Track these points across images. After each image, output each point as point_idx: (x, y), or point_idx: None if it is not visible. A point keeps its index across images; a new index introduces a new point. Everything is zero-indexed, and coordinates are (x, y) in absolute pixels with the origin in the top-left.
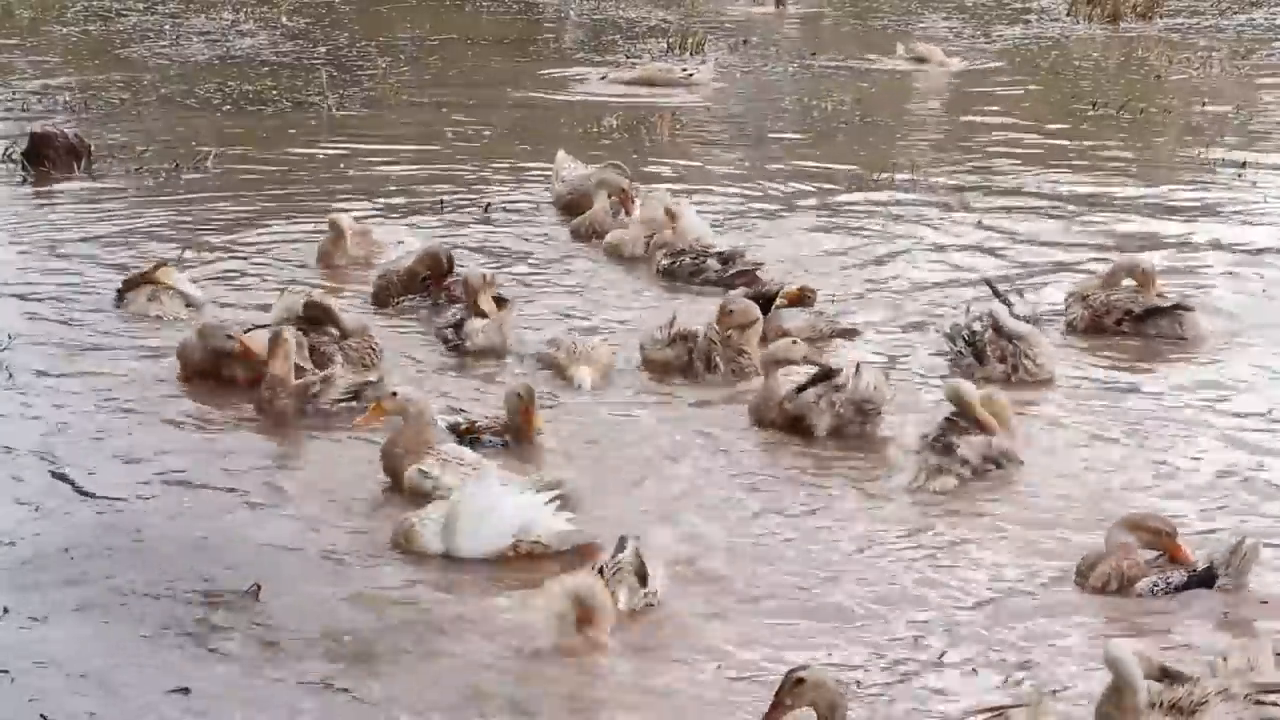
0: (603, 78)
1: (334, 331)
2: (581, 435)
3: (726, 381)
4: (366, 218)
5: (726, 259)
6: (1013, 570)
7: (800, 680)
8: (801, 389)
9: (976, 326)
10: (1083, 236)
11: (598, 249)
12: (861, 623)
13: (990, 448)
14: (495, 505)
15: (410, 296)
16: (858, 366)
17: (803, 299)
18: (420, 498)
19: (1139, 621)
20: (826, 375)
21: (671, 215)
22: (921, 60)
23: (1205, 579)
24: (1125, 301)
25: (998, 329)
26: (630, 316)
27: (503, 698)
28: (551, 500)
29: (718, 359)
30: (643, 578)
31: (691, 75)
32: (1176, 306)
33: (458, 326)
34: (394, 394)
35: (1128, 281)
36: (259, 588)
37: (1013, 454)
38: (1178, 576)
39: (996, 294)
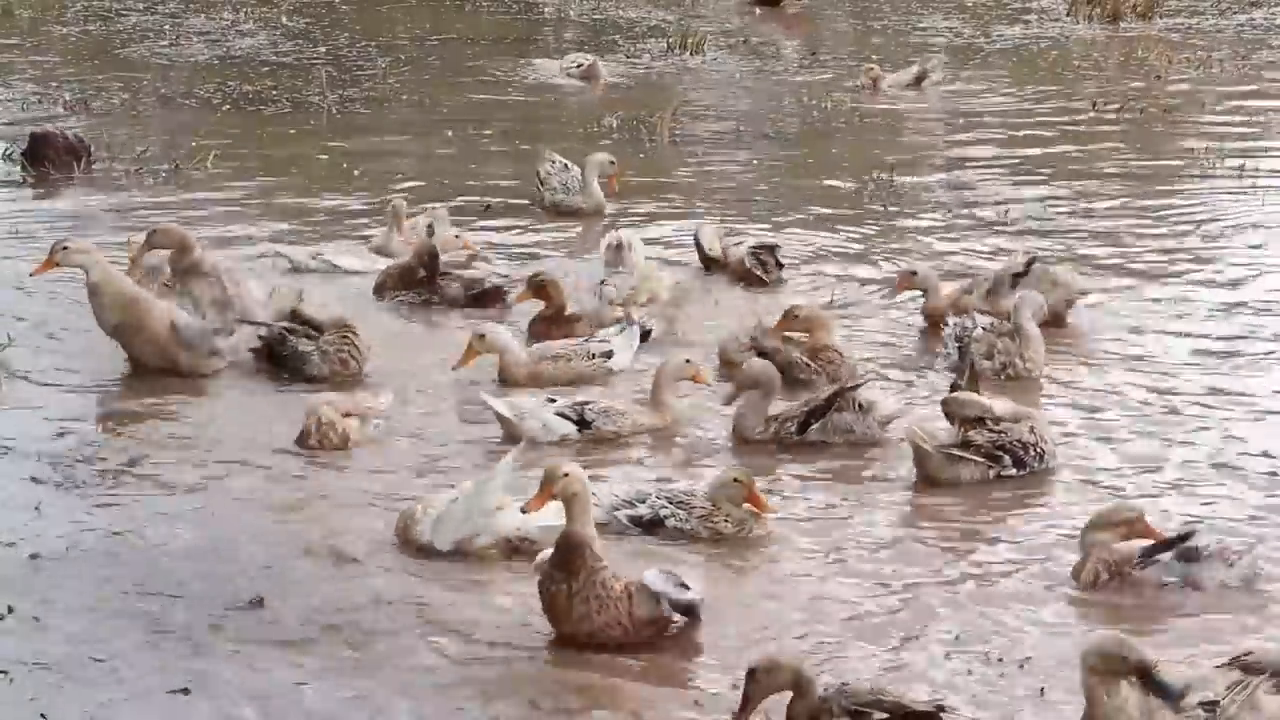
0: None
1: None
2: None
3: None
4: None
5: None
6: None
7: (753, 671)
8: (803, 426)
9: (967, 324)
10: (1082, 237)
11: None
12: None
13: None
14: (491, 503)
15: (405, 292)
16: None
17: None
18: None
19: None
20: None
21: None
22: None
23: (1182, 539)
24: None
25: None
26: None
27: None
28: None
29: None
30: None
31: (569, 70)
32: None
33: None
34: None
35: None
36: (261, 600)
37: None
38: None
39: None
